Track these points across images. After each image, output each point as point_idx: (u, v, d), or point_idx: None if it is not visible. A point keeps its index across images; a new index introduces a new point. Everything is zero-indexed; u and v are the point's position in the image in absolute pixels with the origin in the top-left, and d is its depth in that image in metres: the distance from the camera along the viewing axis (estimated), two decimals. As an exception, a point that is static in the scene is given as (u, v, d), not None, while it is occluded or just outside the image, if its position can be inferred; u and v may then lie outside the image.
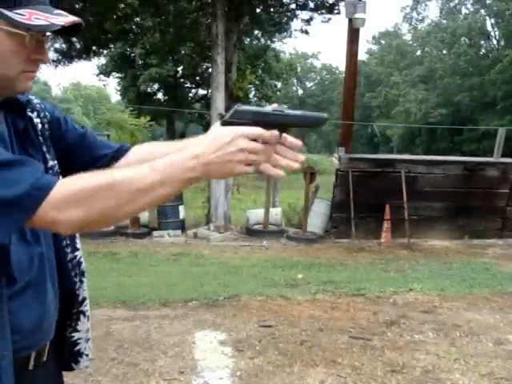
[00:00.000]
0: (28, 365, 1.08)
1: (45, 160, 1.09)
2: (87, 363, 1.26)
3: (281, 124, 0.92)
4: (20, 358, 1.03)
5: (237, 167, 0.90)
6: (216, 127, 0.92)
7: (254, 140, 0.90)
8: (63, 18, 0.94)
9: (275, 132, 0.92)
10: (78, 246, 1.19)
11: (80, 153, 1.19)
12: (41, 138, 1.10)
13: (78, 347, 1.23)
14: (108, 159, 1.18)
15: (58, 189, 0.86)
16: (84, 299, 1.21)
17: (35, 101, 1.14)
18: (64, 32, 1.00)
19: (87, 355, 1.25)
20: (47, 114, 1.15)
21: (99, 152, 1.20)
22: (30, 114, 1.09)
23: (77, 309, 1.20)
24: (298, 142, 0.94)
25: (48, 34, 0.98)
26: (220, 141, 0.89)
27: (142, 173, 0.89)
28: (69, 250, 1.16)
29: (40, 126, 1.11)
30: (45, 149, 1.11)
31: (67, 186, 0.88)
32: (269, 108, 0.93)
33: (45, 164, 1.08)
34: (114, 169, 0.94)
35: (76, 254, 1.18)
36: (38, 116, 1.12)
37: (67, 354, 1.23)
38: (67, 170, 1.13)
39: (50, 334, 1.13)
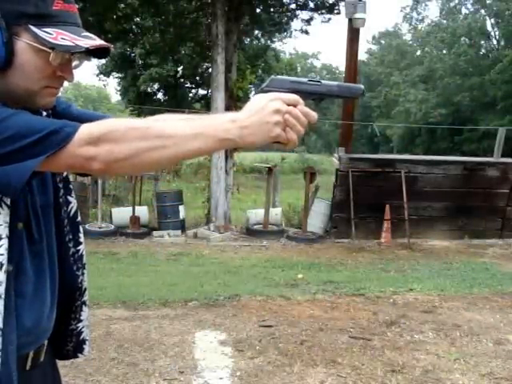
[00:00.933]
0: (25, 365, 1.08)
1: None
2: (88, 348, 1.29)
3: (316, 94, 0.94)
4: (18, 358, 1.02)
5: (274, 129, 0.91)
6: (253, 97, 0.95)
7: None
8: (89, 41, 0.96)
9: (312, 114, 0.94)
10: (82, 239, 1.20)
11: None
12: None
13: (82, 336, 1.25)
14: None
15: (93, 126, 0.90)
16: (85, 290, 1.23)
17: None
18: (93, 54, 1.04)
19: (88, 340, 1.28)
20: (57, 109, 1.16)
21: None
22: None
23: (80, 301, 1.22)
24: (315, 115, 0.96)
25: (77, 52, 1.00)
26: (256, 105, 0.92)
27: (178, 124, 0.93)
28: (71, 244, 1.17)
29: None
30: None
31: (103, 124, 0.91)
32: (305, 78, 0.95)
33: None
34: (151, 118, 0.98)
35: (79, 248, 1.19)
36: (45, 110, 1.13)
37: (74, 346, 1.25)
38: None
39: (47, 333, 1.13)
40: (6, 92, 0.97)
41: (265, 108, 0.90)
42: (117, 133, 0.89)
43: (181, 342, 3.76)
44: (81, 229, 1.21)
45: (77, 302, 1.21)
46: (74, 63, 1.03)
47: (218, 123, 0.91)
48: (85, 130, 0.89)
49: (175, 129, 0.91)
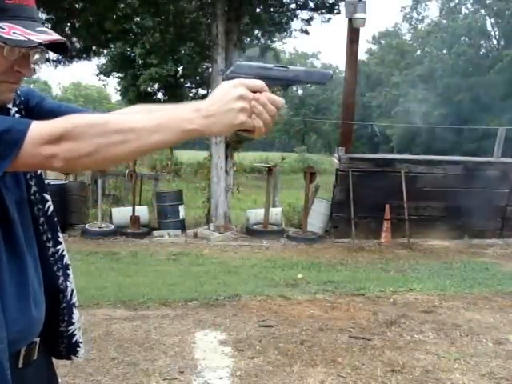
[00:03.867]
0: (18, 363, 1.06)
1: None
2: (83, 350, 1.26)
3: (283, 80, 0.91)
4: (9, 356, 1.00)
5: (238, 116, 0.88)
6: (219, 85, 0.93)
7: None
8: (43, 36, 0.94)
9: (279, 100, 0.91)
10: (61, 239, 1.17)
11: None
12: None
13: (74, 339, 1.22)
14: None
15: (52, 124, 0.88)
16: (72, 291, 1.19)
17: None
18: (51, 49, 1.01)
19: (81, 343, 1.25)
20: (22, 99, 1.14)
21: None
22: (8, 105, 1.09)
23: (66, 303, 1.18)
24: (282, 101, 0.93)
25: (36, 47, 0.97)
26: (220, 92, 0.89)
27: (139, 117, 0.90)
28: (50, 244, 1.14)
29: (17, 115, 1.11)
30: None
31: (62, 122, 0.88)
32: (271, 64, 0.92)
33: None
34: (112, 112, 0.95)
35: (58, 247, 1.16)
36: (15, 104, 1.11)
37: (65, 348, 1.23)
38: None
39: (36, 330, 1.11)
40: None
41: (228, 95, 0.88)
42: (76, 130, 0.87)
43: (181, 341, 3.76)
44: (59, 228, 1.17)
45: (62, 304, 1.17)
46: (35, 57, 1.00)
47: (181, 113, 0.89)
48: (44, 127, 0.87)
49: (136, 122, 0.89)
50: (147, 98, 24.32)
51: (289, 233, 8.13)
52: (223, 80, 0.92)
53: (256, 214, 8.52)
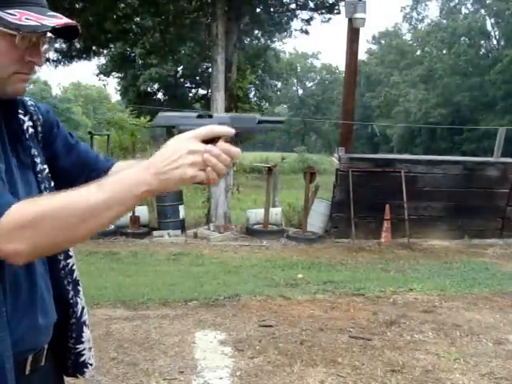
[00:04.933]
0: (25, 369, 1.04)
1: (33, 164, 1.07)
2: (92, 372, 1.23)
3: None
4: (16, 361, 0.98)
5: (187, 172, 0.86)
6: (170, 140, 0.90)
7: (207, 143, 0.87)
8: (55, 20, 0.93)
9: (227, 128, 0.88)
10: (71, 253, 1.15)
11: (69, 163, 1.16)
12: (30, 142, 1.08)
13: (82, 358, 1.19)
14: (98, 174, 1.14)
15: (10, 221, 0.85)
16: (83, 308, 1.16)
17: (29, 102, 1.12)
18: (62, 35, 0.99)
19: (91, 364, 1.22)
20: (40, 116, 1.12)
21: (90, 166, 1.17)
22: (21, 116, 1.07)
23: (76, 319, 1.15)
24: (237, 151, 0.90)
25: (46, 36, 0.97)
26: (169, 148, 0.87)
27: (89, 194, 0.87)
28: (61, 257, 1.12)
29: (31, 129, 1.09)
30: (35, 152, 1.08)
31: (18, 217, 0.85)
32: (194, 113, 0.90)
33: (33, 168, 1.06)
34: (65, 191, 0.90)
35: (69, 261, 1.14)
36: (31, 119, 1.09)
37: (72, 365, 1.20)
38: (57, 177, 1.11)
39: (46, 338, 1.09)
40: None
41: (179, 151, 0.86)
42: (33, 224, 0.85)
43: (181, 341, 3.76)
44: None
45: (71, 319, 1.15)
46: (44, 47, 0.98)
47: (132, 176, 0.87)
48: (3, 225, 0.84)
49: (89, 202, 0.86)
50: (147, 97, 24.32)
51: (289, 233, 8.13)
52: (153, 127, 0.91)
53: (256, 214, 8.52)
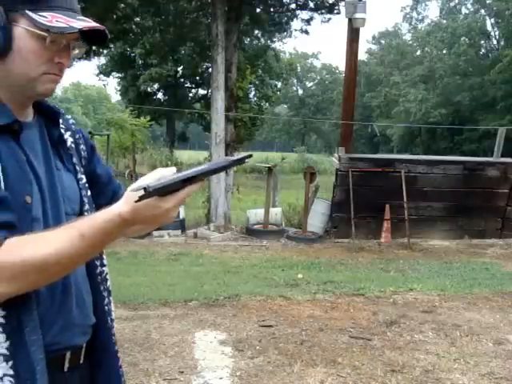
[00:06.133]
0: (63, 367, 1.06)
1: (75, 171, 1.12)
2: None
3: (188, 180, 0.92)
4: (54, 358, 1.01)
5: (160, 222, 0.95)
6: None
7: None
8: (83, 23, 0.97)
9: (193, 187, 0.94)
10: (105, 262, 1.18)
11: (101, 187, 1.22)
12: (71, 151, 1.13)
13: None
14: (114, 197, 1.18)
15: None
16: (112, 321, 1.18)
17: (70, 121, 1.17)
18: (91, 40, 1.04)
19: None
20: (82, 135, 1.19)
21: (113, 190, 1.24)
22: (62, 129, 1.12)
23: (107, 328, 1.17)
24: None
25: (76, 40, 1.02)
26: (146, 216, 0.91)
27: (71, 243, 0.90)
28: (98, 263, 1.15)
29: (71, 143, 1.14)
30: (76, 161, 1.13)
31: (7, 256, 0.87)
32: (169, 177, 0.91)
33: (75, 175, 1.11)
34: (48, 233, 0.93)
35: (103, 269, 1.17)
36: (72, 136, 1.15)
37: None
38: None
39: (84, 337, 1.11)
40: (5, 80, 0.99)
41: (158, 217, 0.92)
42: (16, 270, 0.87)
43: (181, 341, 3.76)
44: (104, 251, 1.17)
45: (107, 325, 1.17)
46: (74, 52, 1.03)
47: (111, 231, 0.91)
48: None
49: (71, 252, 0.90)
50: (147, 97, 24.33)
51: (289, 233, 8.13)
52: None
53: (256, 214, 8.52)
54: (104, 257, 1.18)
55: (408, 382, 3.20)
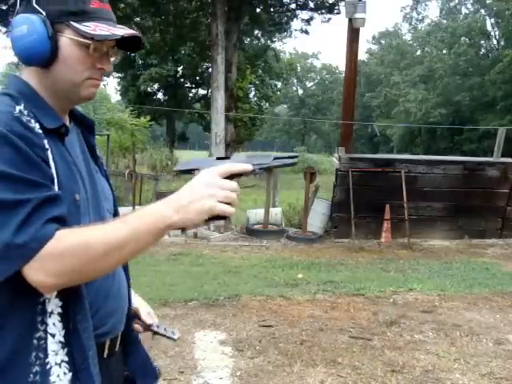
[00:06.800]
0: (103, 353, 1.13)
1: (106, 175, 1.22)
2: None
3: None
4: (98, 344, 1.07)
5: (205, 203, 0.94)
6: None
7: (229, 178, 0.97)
8: (124, 31, 1.06)
9: (245, 165, 0.97)
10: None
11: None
12: (100, 157, 1.24)
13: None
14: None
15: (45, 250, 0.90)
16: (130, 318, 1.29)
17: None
18: (127, 48, 1.13)
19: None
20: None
21: None
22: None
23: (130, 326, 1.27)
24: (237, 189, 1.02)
25: (114, 48, 1.10)
26: (191, 184, 0.97)
27: (114, 229, 0.94)
28: None
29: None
30: (104, 167, 1.24)
31: (55, 245, 0.91)
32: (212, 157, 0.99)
33: (107, 178, 1.22)
34: (93, 225, 0.98)
35: (127, 264, 1.26)
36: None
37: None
38: None
39: (121, 325, 1.19)
40: (52, 86, 1.06)
41: (197, 186, 0.96)
42: (64, 257, 0.91)
43: (181, 341, 3.75)
44: None
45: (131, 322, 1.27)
46: (112, 58, 1.11)
47: (155, 210, 0.95)
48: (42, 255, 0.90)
49: (117, 238, 0.93)
50: (147, 97, 24.33)
51: (289, 233, 8.13)
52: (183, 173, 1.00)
53: (256, 214, 8.52)
54: None
55: (408, 382, 3.20)
